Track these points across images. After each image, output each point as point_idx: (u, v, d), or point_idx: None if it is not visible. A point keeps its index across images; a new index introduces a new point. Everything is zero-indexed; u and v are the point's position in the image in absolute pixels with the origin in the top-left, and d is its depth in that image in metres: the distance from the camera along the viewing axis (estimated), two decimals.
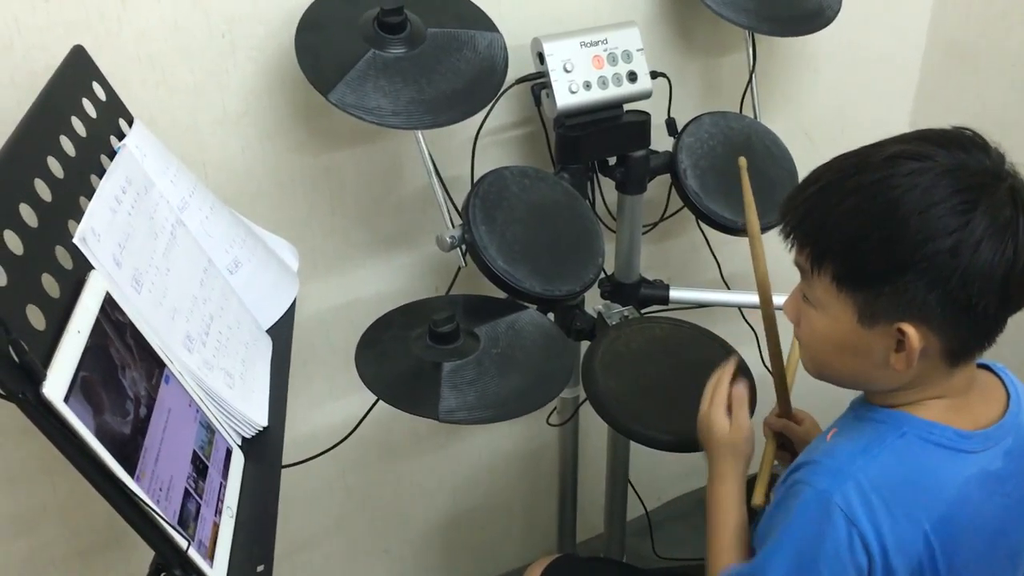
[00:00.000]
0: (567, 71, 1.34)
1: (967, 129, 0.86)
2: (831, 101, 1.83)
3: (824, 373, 0.96)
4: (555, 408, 1.66)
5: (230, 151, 1.31)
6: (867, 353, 0.89)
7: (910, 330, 0.84)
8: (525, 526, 1.94)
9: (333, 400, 1.56)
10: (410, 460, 1.72)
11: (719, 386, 1.09)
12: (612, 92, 1.37)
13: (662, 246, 1.74)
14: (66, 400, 0.70)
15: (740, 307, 1.66)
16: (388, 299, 1.50)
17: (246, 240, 1.15)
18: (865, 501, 0.85)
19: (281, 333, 1.14)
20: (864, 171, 0.85)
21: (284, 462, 1.37)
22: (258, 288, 1.14)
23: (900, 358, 0.86)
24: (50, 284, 0.77)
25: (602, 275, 1.59)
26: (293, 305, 1.19)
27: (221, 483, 0.90)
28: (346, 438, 1.38)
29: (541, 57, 1.35)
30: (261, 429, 1.00)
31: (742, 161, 1.15)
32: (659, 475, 1.94)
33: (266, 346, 1.11)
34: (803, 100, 1.79)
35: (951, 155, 0.83)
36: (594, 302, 1.54)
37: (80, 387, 0.73)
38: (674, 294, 1.51)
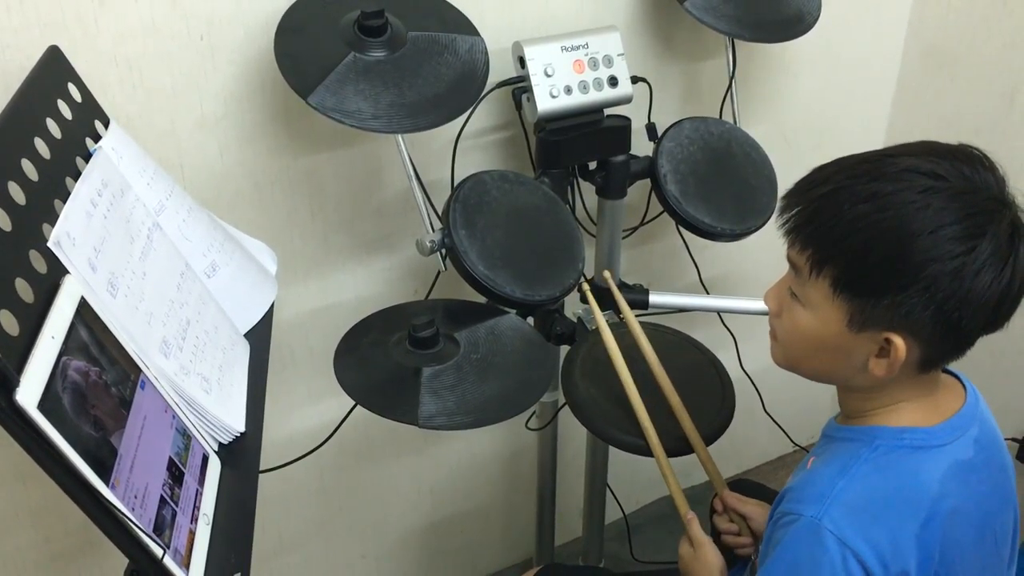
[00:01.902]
0: (548, 75, 1.34)
1: (975, 149, 0.87)
2: (810, 106, 1.84)
3: (796, 368, 0.97)
4: (534, 412, 1.65)
5: (209, 154, 1.30)
6: (848, 356, 0.90)
7: (898, 340, 0.85)
8: (503, 530, 1.94)
9: (312, 404, 1.55)
10: (388, 463, 1.71)
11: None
12: (593, 97, 1.37)
13: (642, 250, 1.74)
14: (39, 407, 0.69)
15: (719, 311, 1.67)
16: (368, 303, 1.50)
17: (224, 244, 1.14)
18: (854, 520, 0.86)
19: (259, 337, 1.13)
20: (877, 180, 0.85)
21: (262, 467, 1.36)
22: (236, 292, 1.13)
23: (881, 364, 0.87)
24: (24, 289, 0.76)
25: (582, 279, 1.59)
26: (271, 309, 1.18)
27: (197, 490, 0.89)
28: (324, 443, 1.37)
29: (522, 61, 1.34)
30: (238, 435, 0.99)
31: None
32: (637, 479, 1.94)
33: (243, 351, 1.10)
34: (782, 105, 1.80)
35: (960, 173, 0.84)
36: (574, 307, 1.54)
37: (54, 394, 0.72)
38: (654, 299, 1.51)
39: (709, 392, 1.30)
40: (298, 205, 1.40)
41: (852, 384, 0.94)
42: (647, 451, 1.21)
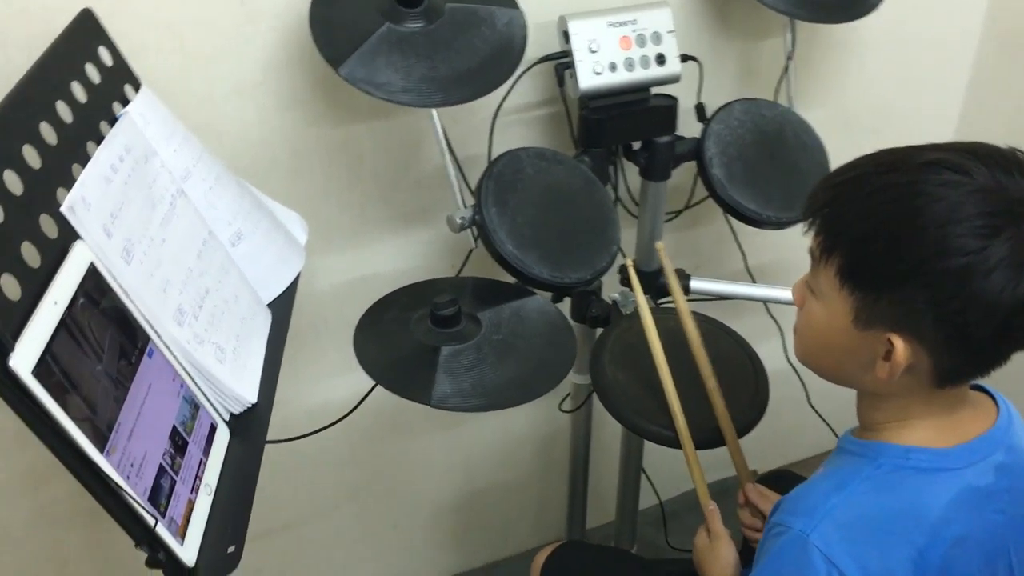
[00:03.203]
0: (592, 51, 1.30)
1: (1022, 152, 0.82)
2: (875, 91, 1.76)
3: (809, 362, 0.95)
4: (568, 394, 1.63)
5: (246, 121, 1.29)
6: (854, 354, 0.86)
7: (899, 343, 0.81)
8: (537, 510, 1.93)
9: (345, 373, 1.54)
10: (421, 437, 1.71)
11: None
12: (638, 75, 1.33)
13: (688, 234, 1.70)
14: (34, 372, 0.70)
15: (764, 301, 1.62)
16: (405, 276, 1.48)
17: (251, 212, 1.13)
18: (844, 537, 0.83)
19: (281, 308, 1.13)
20: (898, 170, 0.81)
21: (293, 434, 1.37)
22: (261, 262, 1.13)
23: (885, 367, 0.84)
24: (30, 253, 0.76)
25: (622, 262, 1.56)
26: (296, 280, 1.18)
27: (201, 460, 0.89)
28: (348, 414, 1.37)
29: (566, 36, 1.31)
30: (249, 406, 0.99)
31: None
32: (677, 466, 1.89)
33: (264, 321, 1.10)
34: (845, 90, 1.73)
35: (992, 174, 0.78)
36: (614, 289, 1.51)
37: (51, 360, 0.72)
38: (695, 284, 1.47)
39: (742, 384, 1.26)
40: (335, 175, 1.39)
41: (862, 387, 0.91)
42: (668, 440, 1.19)
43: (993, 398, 0.93)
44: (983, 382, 0.93)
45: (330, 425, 1.40)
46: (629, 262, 1.32)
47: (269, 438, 1.39)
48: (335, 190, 1.40)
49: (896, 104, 1.80)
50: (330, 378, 1.55)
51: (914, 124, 1.83)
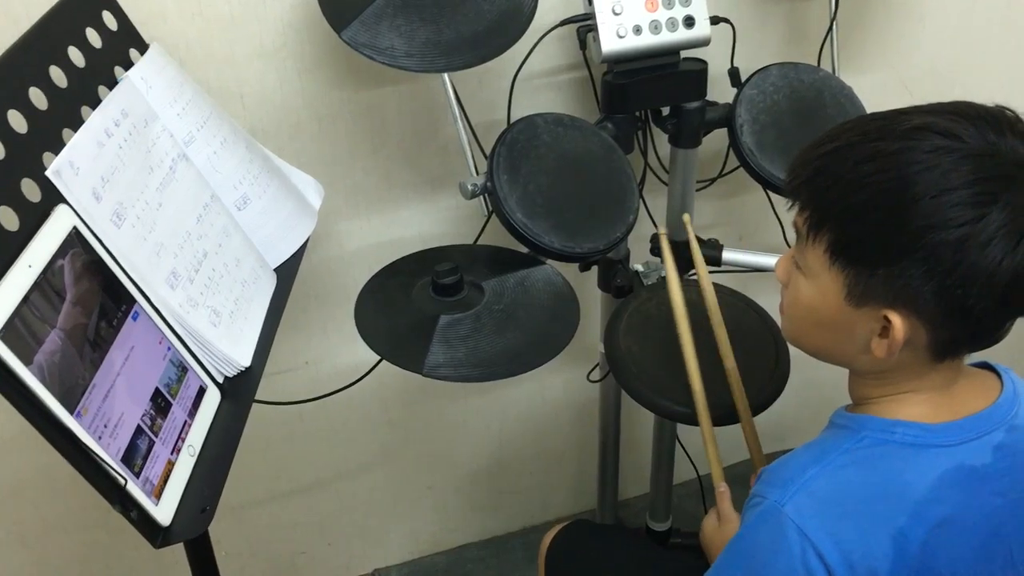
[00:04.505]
0: (616, 14, 1.26)
1: (1009, 109, 0.78)
2: (938, 58, 1.66)
3: (799, 343, 0.91)
4: (597, 364, 1.61)
5: (268, 84, 1.30)
6: (848, 332, 0.82)
7: (896, 319, 0.78)
8: (575, 477, 1.92)
9: None
10: (455, 401, 1.71)
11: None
12: (664, 38, 1.28)
13: (731, 203, 1.65)
14: (0, 335, 0.71)
15: None
16: (433, 241, 1.48)
17: (259, 177, 1.14)
18: (820, 511, 0.79)
19: (287, 272, 1.14)
20: (885, 138, 0.77)
21: (324, 391, 1.38)
22: (268, 226, 1.14)
23: (882, 344, 0.80)
24: (8, 217, 0.78)
25: (654, 231, 1.52)
26: (305, 244, 1.19)
27: (186, 421, 0.91)
28: (364, 376, 1.38)
29: None
30: (242, 370, 1.00)
31: None
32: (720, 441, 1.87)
33: (268, 285, 1.11)
34: (903, 54, 1.63)
35: (982, 136, 0.75)
36: (645, 258, 1.47)
37: (20, 323, 0.73)
38: (727, 255, 1.42)
39: (762, 362, 1.22)
40: (360, 139, 1.39)
41: (856, 367, 0.86)
42: (678, 415, 1.16)
43: (999, 376, 0.88)
44: (990, 359, 0.90)
45: (349, 386, 1.41)
46: (662, 232, 1.27)
47: (297, 398, 1.42)
48: (360, 154, 1.40)
49: (961, 75, 1.69)
50: (359, 340, 1.56)
51: (984, 94, 1.72)
